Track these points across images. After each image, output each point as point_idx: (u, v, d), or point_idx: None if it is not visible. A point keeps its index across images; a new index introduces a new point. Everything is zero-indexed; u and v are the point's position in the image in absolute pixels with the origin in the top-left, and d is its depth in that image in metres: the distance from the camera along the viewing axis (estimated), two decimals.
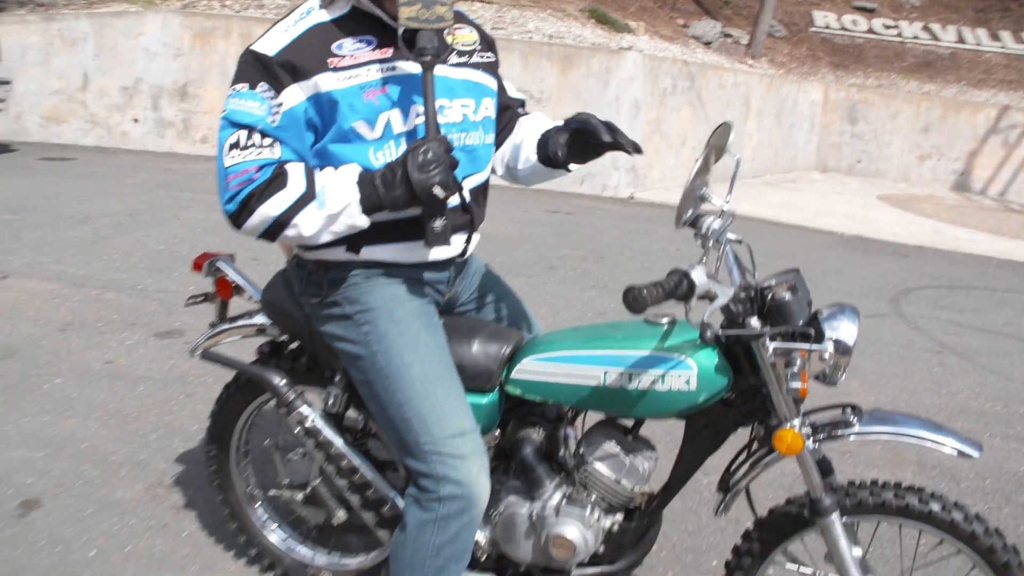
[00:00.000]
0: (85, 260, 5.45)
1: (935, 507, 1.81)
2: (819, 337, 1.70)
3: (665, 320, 1.84)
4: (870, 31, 17.75)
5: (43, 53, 10.29)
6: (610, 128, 1.87)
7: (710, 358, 1.78)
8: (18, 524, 2.60)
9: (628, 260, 6.85)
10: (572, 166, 2.01)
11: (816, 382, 1.79)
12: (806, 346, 1.68)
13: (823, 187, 13.15)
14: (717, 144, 2.00)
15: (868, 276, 7.19)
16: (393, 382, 1.78)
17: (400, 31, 1.75)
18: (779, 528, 1.93)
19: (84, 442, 3.13)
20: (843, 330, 1.71)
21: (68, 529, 2.59)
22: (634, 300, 1.52)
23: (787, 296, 1.70)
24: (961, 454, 1.76)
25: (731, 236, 1.90)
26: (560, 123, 2.02)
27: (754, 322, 1.71)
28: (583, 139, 1.91)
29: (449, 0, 1.75)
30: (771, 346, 1.70)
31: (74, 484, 2.84)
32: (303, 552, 2.38)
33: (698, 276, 1.59)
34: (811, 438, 1.81)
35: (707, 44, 14.76)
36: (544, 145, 2.00)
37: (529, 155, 2.04)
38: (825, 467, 1.88)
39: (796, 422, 1.75)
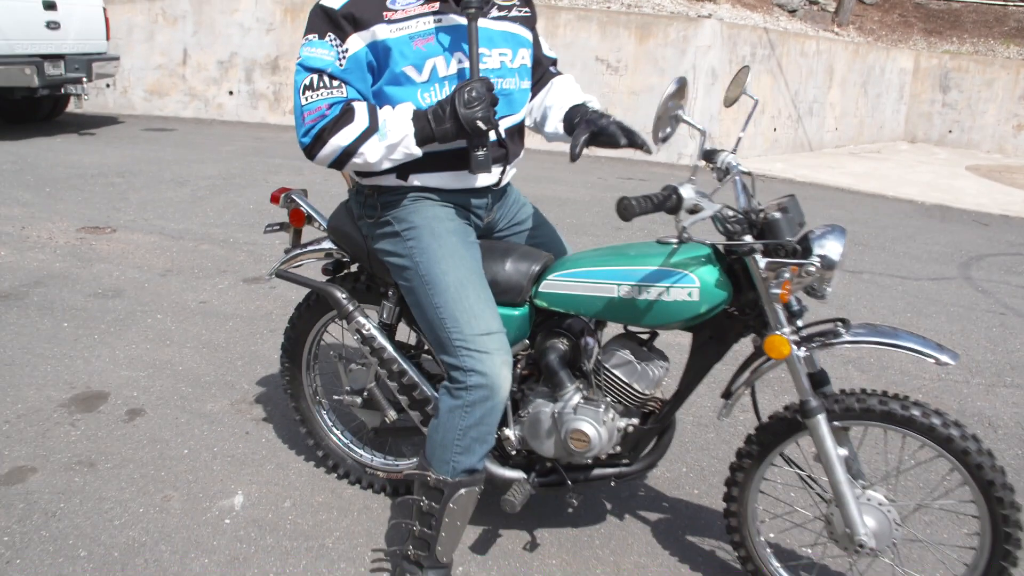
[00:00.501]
0: (183, 217, 5.94)
1: (915, 413, 1.99)
2: (807, 253, 1.91)
3: (674, 240, 2.06)
4: None
5: (147, 31, 10.96)
6: (626, 132, 2.08)
7: (711, 273, 2.00)
8: (125, 427, 3.01)
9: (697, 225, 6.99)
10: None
11: (808, 296, 2.01)
12: (794, 261, 1.89)
13: (910, 157, 12.86)
14: (735, 85, 2.22)
15: (941, 242, 7.13)
16: (431, 288, 2.06)
17: None
18: (775, 431, 2.14)
19: (180, 366, 3.54)
20: (829, 247, 1.91)
21: (166, 432, 2.99)
22: (624, 209, 1.76)
23: (777, 215, 1.91)
24: (937, 362, 1.93)
25: (741, 168, 2.11)
26: (584, 101, 2.26)
27: (748, 239, 1.92)
28: (601, 139, 2.12)
29: None
30: (762, 261, 1.92)
31: (172, 398, 3.25)
32: (361, 454, 2.71)
33: (686, 192, 1.82)
34: (802, 346, 2.01)
35: (792, 12, 14.52)
36: (569, 124, 2.23)
37: (557, 125, 2.28)
38: (821, 378, 2.09)
39: (786, 330, 1.96)
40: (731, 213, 1.95)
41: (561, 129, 2.26)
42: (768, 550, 2.27)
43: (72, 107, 10.38)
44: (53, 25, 8.70)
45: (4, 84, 8.20)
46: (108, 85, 10.92)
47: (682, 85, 1.94)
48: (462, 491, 2.05)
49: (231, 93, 10.98)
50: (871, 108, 13.89)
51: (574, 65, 10.09)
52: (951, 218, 8.37)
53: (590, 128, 2.11)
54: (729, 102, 2.29)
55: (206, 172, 7.47)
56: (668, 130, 1.95)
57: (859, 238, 6.97)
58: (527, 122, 2.39)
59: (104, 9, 9.50)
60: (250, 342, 3.79)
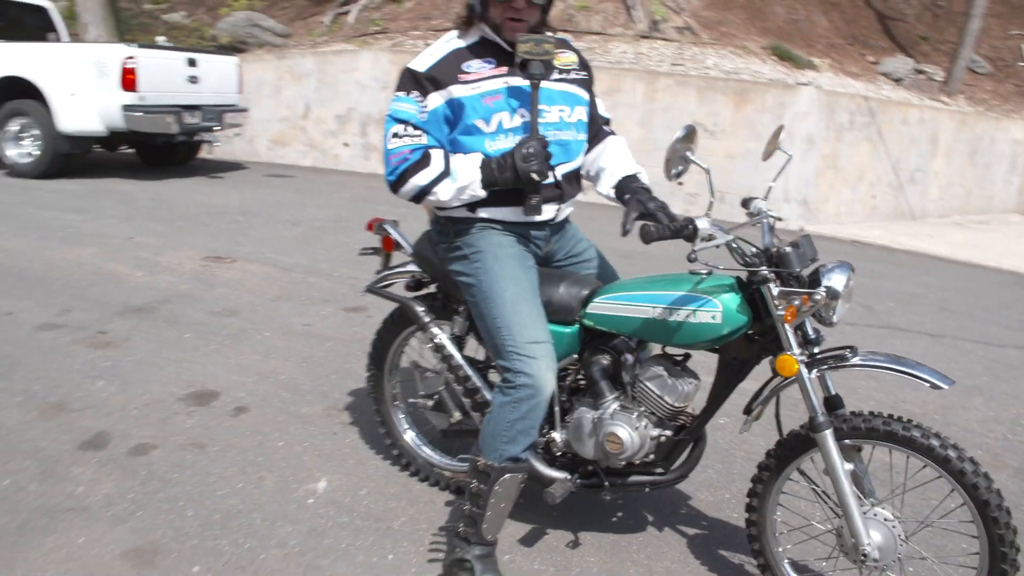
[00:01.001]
0: (295, 252, 6.53)
1: (915, 434, 2.21)
2: (815, 284, 2.18)
3: (704, 271, 2.37)
4: None
5: (275, 86, 11.93)
6: (670, 218, 2.34)
7: (733, 300, 2.29)
8: (232, 420, 3.48)
9: None
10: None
11: (818, 322, 2.27)
12: (803, 291, 2.17)
13: (1021, 229, 12.56)
14: (771, 142, 2.53)
15: None
16: (491, 302, 2.43)
17: (517, 60, 2.40)
18: (792, 447, 2.39)
19: (282, 375, 4.00)
20: (835, 280, 2.19)
21: (266, 427, 3.43)
22: (645, 233, 2.09)
23: (788, 249, 2.21)
24: (933, 385, 2.16)
25: (770, 212, 2.41)
26: (636, 173, 2.60)
27: (764, 270, 2.22)
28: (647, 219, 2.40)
29: (553, 39, 2.40)
30: (776, 290, 2.20)
31: (273, 401, 3.70)
32: (431, 454, 3.07)
33: (702, 223, 2.13)
34: (814, 368, 2.27)
35: (897, 81, 14.50)
36: (620, 192, 2.57)
37: (608, 190, 2.63)
38: (835, 402, 2.34)
39: (796, 351, 2.22)
40: (751, 249, 2.25)
41: (613, 194, 2.61)
42: (786, 561, 2.49)
43: (204, 153, 11.37)
44: (194, 79, 9.66)
45: (149, 130, 9.13)
46: (237, 134, 11.89)
47: (690, 131, 2.26)
48: (507, 476, 2.38)
49: (346, 145, 11.77)
50: (979, 178, 13.66)
51: (671, 128, 10.41)
52: None
53: (640, 208, 2.40)
54: (766, 156, 2.60)
55: (319, 215, 8.11)
56: (680, 168, 2.26)
57: (947, 305, 6.97)
58: (582, 173, 2.74)
59: (239, 66, 10.46)
60: (344, 360, 4.23)
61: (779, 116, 10.20)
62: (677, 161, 2.23)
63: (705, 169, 2.24)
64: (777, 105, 10.23)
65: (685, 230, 2.13)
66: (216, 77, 10.04)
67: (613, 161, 2.67)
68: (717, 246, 2.18)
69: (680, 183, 2.34)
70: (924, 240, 10.43)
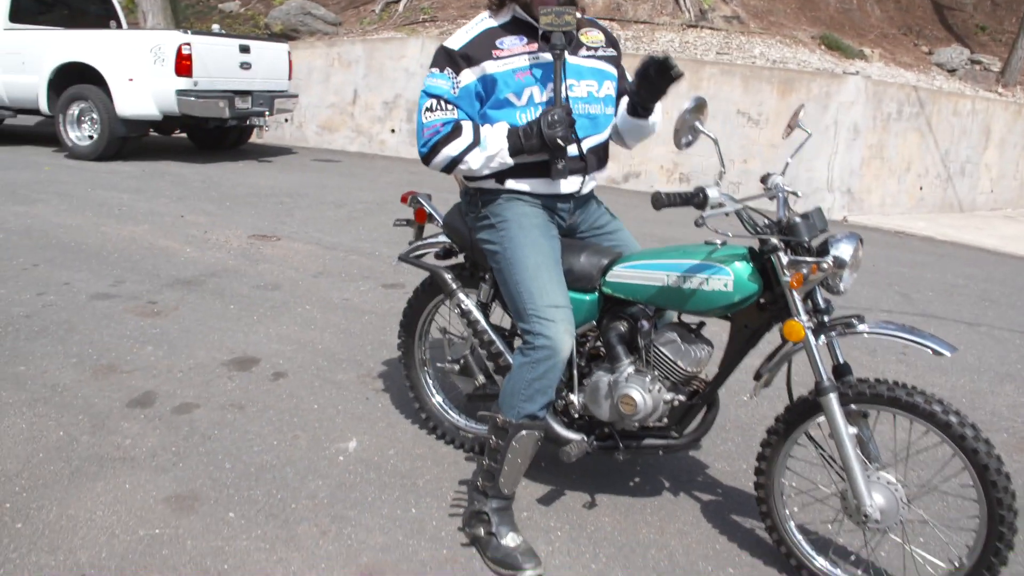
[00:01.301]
0: (338, 232, 6.72)
1: (918, 400, 2.27)
2: (824, 254, 2.26)
3: (719, 241, 2.46)
4: None
5: (324, 73, 12.17)
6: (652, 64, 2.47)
7: (745, 269, 2.38)
8: (270, 384, 3.65)
9: None
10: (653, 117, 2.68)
11: (827, 291, 2.35)
12: (811, 260, 2.25)
13: None
14: (791, 121, 2.60)
15: None
16: (514, 267, 2.55)
17: (540, 32, 2.52)
18: (799, 412, 2.46)
19: (320, 344, 4.17)
20: (842, 249, 2.26)
21: (301, 391, 3.60)
22: (656, 200, 2.19)
23: (797, 219, 2.29)
24: (936, 352, 2.22)
25: (786, 187, 2.49)
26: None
27: (774, 240, 2.30)
28: (647, 82, 2.52)
29: (574, 11, 2.50)
30: (785, 259, 2.28)
31: (309, 368, 3.87)
32: (456, 418, 3.21)
33: (712, 192, 2.22)
34: (821, 334, 2.34)
35: (951, 71, 14.25)
36: (630, 97, 2.67)
37: (622, 113, 2.74)
38: (843, 369, 2.41)
39: (803, 317, 2.30)
40: (763, 220, 2.34)
41: (625, 112, 2.71)
42: (792, 523, 2.57)
43: (254, 138, 11.66)
44: (246, 66, 9.93)
45: (201, 115, 9.42)
46: (287, 120, 12.16)
47: (700, 103, 2.34)
48: (523, 432, 2.50)
49: (393, 131, 11.97)
50: None
51: (715, 117, 10.42)
52: None
53: (635, 75, 2.55)
54: (786, 134, 2.68)
55: (363, 198, 8.31)
56: (689, 137, 2.35)
57: (988, 295, 6.90)
58: (614, 140, 2.84)
59: (289, 53, 10.72)
60: (380, 333, 4.39)
61: (825, 106, 10.12)
62: (686, 131, 2.32)
63: (713, 139, 2.32)
64: (823, 95, 10.15)
65: (696, 198, 2.22)
66: (267, 64, 10.30)
67: (622, 104, 2.76)
68: (727, 214, 2.27)
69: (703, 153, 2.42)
70: (972, 232, 10.28)
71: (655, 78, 2.48)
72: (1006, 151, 12.70)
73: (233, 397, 3.49)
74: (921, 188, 11.48)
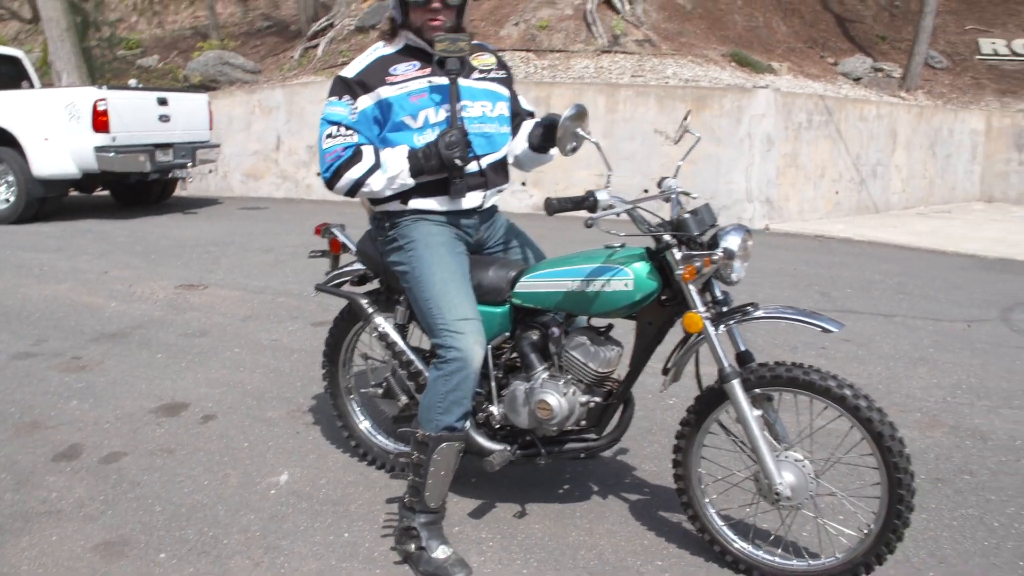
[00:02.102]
0: (266, 276, 6.72)
1: (815, 377, 2.40)
2: (714, 247, 2.39)
3: (618, 243, 2.57)
4: None
5: (245, 121, 12.16)
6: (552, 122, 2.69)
7: (643, 268, 2.49)
8: (200, 427, 3.65)
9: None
10: (552, 151, 2.82)
11: (720, 281, 2.47)
12: (702, 253, 2.37)
13: (982, 217, 12.82)
14: (680, 127, 2.74)
15: (989, 291, 7.24)
16: (423, 285, 2.63)
17: (435, 58, 2.63)
18: (708, 401, 2.57)
19: (249, 385, 4.18)
20: (730, 240, 2.39)
21: (231, 431, 3.60)
22: (548, 205, 2.30)
23: (686, 216, 2.42)
24: (824, 330, 2.36)
25: (682, 190, 2.62)
26: (540, 119, 2.85)
27: (667, 237, 2.42)
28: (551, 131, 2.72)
29: (467, 37, 2.62)
30: (679, 255, 2.40)
31: (239, 408, 3.87)
32: (385, 442, 3.25)
33: (601, 195, 2.34)
34: (720, 324, 2.46)
35: (856, 80, 14.86)
36: (531, 138, 2.85)
37: (523, 145, 2.89)
38: (746, 356, 2.53)
39: (700, 309, 2.42)
40: (655, 219, 2.46)
41: (526, 146, 2.86)
42: (712, 510, 2.67)
43: (179, 191, 11.56)
44: (165, 118, 9.88)
45: (122, 170, 9.33)
46: (211, 170, 12.09)
47: (580, 110, 2.47)
48: (444, 445, 2.56)
49: (318, 174, 11.97)
50: (940, 169, 13.96)
51: (633, 138, 10.69)
52: (1011, 270, 8.41)
53: (542, 123, 2.77)
54: (676, 139, 2.81)
55: (291, 241, 8.30)
56: (574, 143, 2.47)
57: (903, 288, 7.19)
58: (510, 160, 2.96)
59: (208, 103, 10.70)
60: (310, 369, 4.40)
61: (738, 119, 10.47)
62: (569, 138, 2.44)
63: (595, 142, 2.44)
64: (735, 109, 10.49)
65: (586, 201, 2.34)
66: (187, 115, 10.26)
67: (524, 130, 2.92)
68: (617, 214, 2.39)
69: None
70: (887, 231, 10.68)
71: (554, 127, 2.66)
72: (913, 152, 13.26)
73: (162, 442, 3.48)
74: (837, 192, 11.90)
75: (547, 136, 2.77)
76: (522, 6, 13.85)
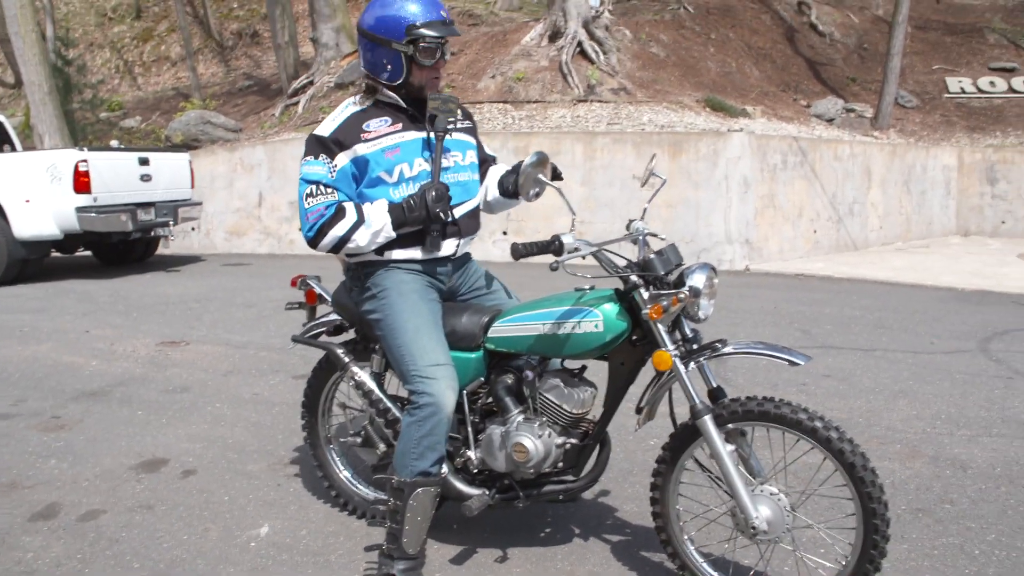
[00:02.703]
0: (248, 331, 6.72)
1: (786, 411, 2.43)
2: (680, 285, 2.44)
3: (587, 286, 2.62)
4: (1010, 90, 17.49)
5: (227, 179, 12.25)
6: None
7: (613, 309, 2.53)
8: (180, 482, 3.63)
9: (722, 318, 7.38)
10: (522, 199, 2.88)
11: (688, 319, 2.51)
12: (669, 292, 2.42)
13: (959, 250, 12.99)
14: (646, 170, 2.81)
15: (968, 322, 7.32)
16: (396, 332, 2.66)
17: (428, 115, 2.72)
18: (682, 438, 2.60)
19: (230, 439, 4.17)
20: (696, 279, 2.44)
21: (212, 485, 3.59)
22: (514, 250, 2.34)
23: (652, 256, 2.46)
24: (791, 363, 2.39)
25: (650, 231, 2.67)
26: (512, 167, 2.92)
27: (634, 278, 2.47)
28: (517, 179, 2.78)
29: (457, 99, 2.75)
30: (646, 294, 2.45)
31: (220, 462, 3.86)
32: (366, 491, 3.25)
33: (567, 238, 2.39)
34: (690, 361, 2.49)
35: (829, 121, 15.15)
36: (502, 183, 2.92)
37: (494, 191, 2.96)
38: (718, 393, 2.56)
39: (669, 347, 2.46)
40: (622, 261, 2.51)
41: (498, 193, 2.94)
42: (691, 546, 2.67)
43: (161, 249, 11.59)
44: (146, 178, 9.94)
45: (104, 230, 9.37)
46: (193, 228, 12.15)
47: (541, 157, 2.53)
48: (419, 490, 2.57)
49: (299, 230, 12.03)
50: (916, 205, 14.18)
51: (612, 184, 10.83)
52: (989, 301, 8.52)
53: (515, 170, 2.82)
54: (643, 183, 2.88)
55: (273, 296, 8.32)
56: (537, 189, 2.53)
57: (883, 323, 7.26)
58: (483, 209, 3.02)
59: (190, 161, 10.79)
60: (292, 422, 4.40)
61: (714, 163, 10.63)
62: (531, 184, 2.49)
63: (556, 188, 2.50)
64: (711, 152, 10.66)
65: (552, 245, 2.39)
66: (168, 174, 10.33)
67: (495, 174, 3.00)
68: (583, 256, 2.44)
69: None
70: (866, 267, 10.80)
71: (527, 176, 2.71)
72: (888, 189, 13.47)
73: (141, 499, 3.46)
74: (815, 231, 12.05)
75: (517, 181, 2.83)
76: (498, 59, 14.11)
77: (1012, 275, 10.27)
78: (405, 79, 2.74)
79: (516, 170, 2.84)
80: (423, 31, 2.64)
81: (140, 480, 3.66)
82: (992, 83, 17.72)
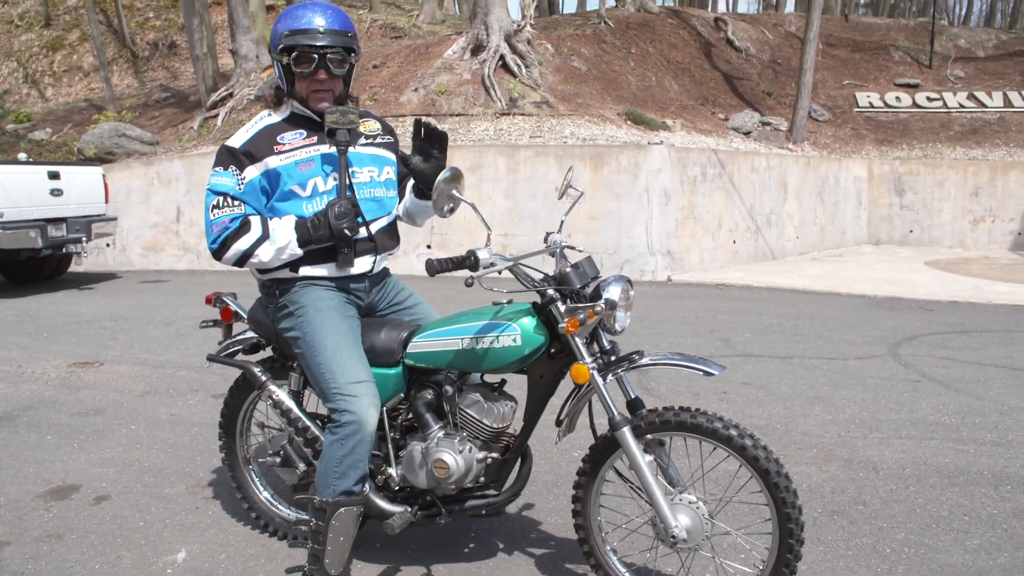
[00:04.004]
0: (166, 350, 6.54)
1: (701, 420, 2.48)
2: (597, 298, 2.47)
3: (505, 300, 2.63)
4: (914, 105, 18.29)
5: (144, 193, 11.93)
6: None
7: (530, 323, 2.55)
8: (92, 509, 3.50)
9: (644, 328, 7.50)
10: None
11: (605, 331, 2.55)
12: (585, 305, 2.45)
13: (871, 258, 13.47)
14: (564, 182, 2.83)
15: (879, 328, 7.61)
16: (315, 350, 2.62)
17: (326, 129, 2.67)
18: (602, 449, 2.63)
19: (146, 462, 4.04)
20: (611, 291, 2.47)
21: (126, 511, 3.47)
22: (429, 267, 2.34)
23: (568, 270, 2.49)
24: (706, 373, 2.45)
25: (567, 244, 2.70)
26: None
27: (551, 292, 2.49)
28: (418, 143, 2.77)
29: (356, 110, 2.68)
30: (563, 308, 2.47)
31: (135, 486, 3.74)
32: (287, 511, 3.18)
33: (482, 253, 2.40)
34: (607, 373, 2.52)
35: (746, 134, 15.57)
36: (412, 188, 2.91)
37: (410, 196, 2.95)
38: (636, 404, 2.60)
39: (587, 360, 2.48)
40: (538, 275, 2.53)
41: (416, 194, 2.92)
42: (613, 557, 2.70)
43: (74, 266, 11.19)
44: (57, 192, 9.60)
45: (10, 247, 9.00)
46: (108, 244, 11.78)
47: (455, 173, 2.54)
48: (341, 510, 2.54)
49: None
50: (830, 216, 14.67)
51: (535, 197, 10.90)
52: (898, 307, 8.86)
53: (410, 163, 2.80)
54: (560, 195, 2.90)
55: (192, 314, 8.12)
56: (450, 204, 2.53)
57: (799, 330, 7.48)
58: (403, 218, 3.01)
59: (103, 176, 10.46)
60: (211, 442, 4.29)
61: (635, 175, 10.80)
62: (444, 199, 2.50)
63: (470, 203, 2.51)
64: (632, 165, 10.83)
65: (468, 260, 2.39)
66: (80, 188, 10.00)
67: (410, 184, 2.97)
68: (499, 272, 2.45)
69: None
70: (783, 276, 11.12)
71: (425, 142, 2.71)
72: (803, 200, 13.91)
73: (50, 528, 3.32)
74: (735, 242, 12.35)
75: (419, 148, 2.79)
76: (421, 72, 14.10)
77: (920, 282, 10.71)
78: (289, 89, 2.72)
79: (416, 138, 2.78)
80: (293, 40, 2.62)
81: (49, 508, 3.51)
82: (898, 98, 18.50)
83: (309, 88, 2.70)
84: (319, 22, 2.64)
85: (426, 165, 2.75)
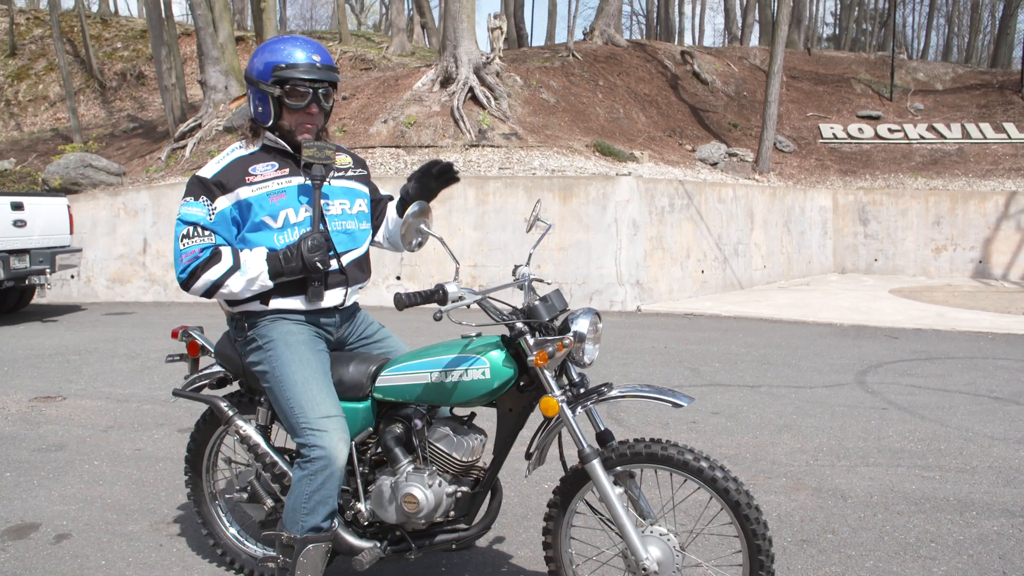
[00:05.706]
0: (131, 384, 6.44)
1: (672, 452, 2.48)
2: (565, 331, 2.47)
3: (474, 333, 2.63)
4: (876, 137, 18.68)
5: (110, 224, 11.80)
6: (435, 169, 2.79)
7: (499, 356, 2.55)
8: (52, 548, 3.41)
9: (613, 359, 7.53)
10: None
11: (573, 364, 2.55)
12: (554, 338, 2.45)
13: (837, 287, 13.67)
14: (532, 215, 2.84)
15: (846, 356, 7.70)
16: (284, 384, 2.60)
17: (303, 163, 2.67)
18: (572, 482, 2.62)
19: (109, 499, 3.96)
20: (580, 324, 2.48)
21: (88, 550, 3.39)
22: (397, 301, 2.34)
23: (536, 303, 2.50)
24: (675, 405, 2.46)
25: (535, 277, 2.70)
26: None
27: (520, 325, 2.49)
28: (425, 179, 2.80)
29: (333, 145, 2.69)
30: (532, 340, 2.48)
31: (98, 524, 3.66)
32: (254, 549, 3.13)
33: (451, 287, 2.40)
34: (577, 406, 2.52)
35: (713, 165, 15.78)
36: (400, 207, 2.92)
37: (394, 219, 2.95)
38: (606, 436, 2.60)
39: (556, 393, 2.49)
40: (507, 308, 2.54)
41: (397, 217, 2.93)
42: None
43: (37, 298, 11.02)
44: (20, 223, 9.47)
45: None
46: (72, 276, 11.62)
47: (423, 207, 2.55)
48: (310, 546, 2.50)
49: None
50: (797, 245, 14.88)
51: (505, 228, 10.95)
52: (864, 335, 8.98)
53: (411, 179, 2.84)
54: (528, 228, 2.92)
55: (158, 346, 8.02)
56: (419, 239, 2.54)
57: (768, 359, 7.55)
58: (383, 244, 3.02)
59: (68, 206, 10.34)
60: (176, 478, 4.22)
61: (604, 207, 10.88)
62: (413, 233, 2.50)
63: (438, 238, 2.52)
64: (600, 196, 10.92)
65: (436, 294, 2.39)
66: (44, 219, 9.87)
67: (390, 210, 3.00)
68: (468, 305, 2.45)
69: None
70: (751, 305, 11.23)
71: (435, 178, 2.74)
72: (770, 230, 14.10)
73: (6, 569, 3.23)
74: (703, 271, 12.47)
75: (421, 184, 2.84)
76: (391, 104, 14.16)
77: (885, 310, 10.87)
78: (275, 121, 2.73)
79: (425, 175, 2.84)
80: (287, 73, 2.64)
81: (6, 548, 3.42)
82: (860, 129, 18.89)
83: (299, 120, 2.72)
84: (315, 57, 2.68)
85: (419, 192, 2.80)
